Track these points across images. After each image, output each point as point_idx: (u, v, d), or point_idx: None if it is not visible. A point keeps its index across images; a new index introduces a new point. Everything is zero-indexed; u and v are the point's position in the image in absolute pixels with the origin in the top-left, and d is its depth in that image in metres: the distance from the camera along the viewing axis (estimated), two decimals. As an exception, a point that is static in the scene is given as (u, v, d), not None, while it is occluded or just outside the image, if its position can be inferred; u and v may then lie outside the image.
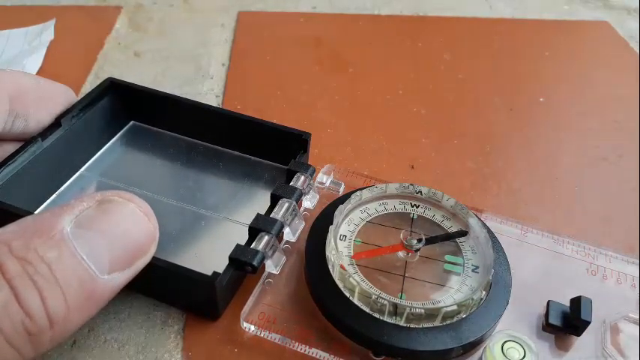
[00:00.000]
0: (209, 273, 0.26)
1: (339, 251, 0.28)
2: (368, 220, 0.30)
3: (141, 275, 0.23)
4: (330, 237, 0.27)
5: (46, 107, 0.31)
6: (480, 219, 0.29)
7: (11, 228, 0.21)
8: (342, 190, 0.32)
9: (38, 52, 0.42)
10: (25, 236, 0.20)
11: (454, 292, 0.26)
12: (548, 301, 0.26)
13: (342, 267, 0.26)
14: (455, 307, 0.24)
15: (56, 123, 0.32)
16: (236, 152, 0.35)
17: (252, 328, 0.26)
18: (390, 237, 0.29)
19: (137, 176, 0.34)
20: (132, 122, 0.37)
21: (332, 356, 0.25)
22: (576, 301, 0.25)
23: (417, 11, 0.45)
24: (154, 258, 0.24)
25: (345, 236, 0.29)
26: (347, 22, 0.45)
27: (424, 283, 0.27)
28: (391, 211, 0.30)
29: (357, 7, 0.45)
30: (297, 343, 0.26)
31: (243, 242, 0.28)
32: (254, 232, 0.28)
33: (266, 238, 0.27)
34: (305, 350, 0.26)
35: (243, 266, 0.27)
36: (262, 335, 0.26)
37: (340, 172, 0.33)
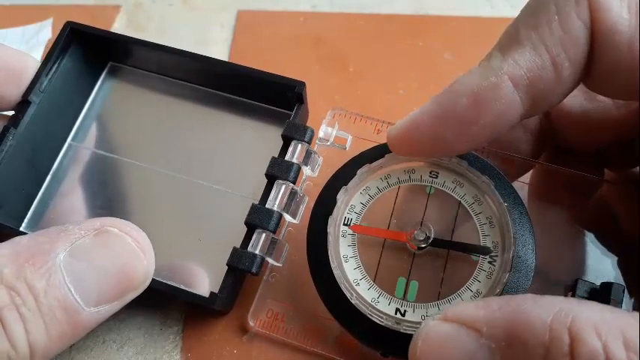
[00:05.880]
0: (216, 260, 0.26)
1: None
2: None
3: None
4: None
5: None
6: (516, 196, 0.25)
7: (4, 251, 0.21)
8: (349, 144, 0.29)
9: (36, 51, 0.41)
10: (18, 261, 0.20)
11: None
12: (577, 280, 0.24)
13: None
14: None
15: (24, 101, 0.29)
16: (229, 95, 0.32)
17: (260, 326, 0.26)
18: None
19: (128, 136, 0.32)
20: (110, 64, 0.34)
21: (339, 357, 0.25)
22: (607, 287, 0.24)
23: (418, 10, 0.45)
24: (153, 280, 0.24)
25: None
26: (347, 21, 0.44)
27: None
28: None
29: (357, 6, 0.45)
30: (303, 342, 0.25)
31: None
32: (251, 227, 0.27)
33: (263, 236, 0.26)
34: (311, 349, 0.25)
35: (242, 272, 0.26)
36: (271, 333, 0.26)
37: (346, 119, 0.30)
